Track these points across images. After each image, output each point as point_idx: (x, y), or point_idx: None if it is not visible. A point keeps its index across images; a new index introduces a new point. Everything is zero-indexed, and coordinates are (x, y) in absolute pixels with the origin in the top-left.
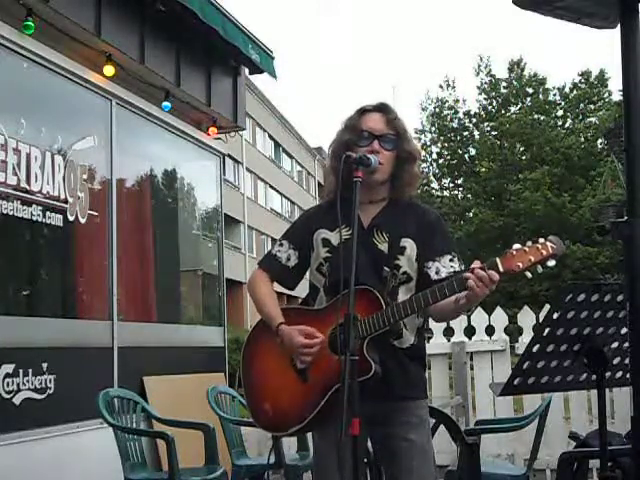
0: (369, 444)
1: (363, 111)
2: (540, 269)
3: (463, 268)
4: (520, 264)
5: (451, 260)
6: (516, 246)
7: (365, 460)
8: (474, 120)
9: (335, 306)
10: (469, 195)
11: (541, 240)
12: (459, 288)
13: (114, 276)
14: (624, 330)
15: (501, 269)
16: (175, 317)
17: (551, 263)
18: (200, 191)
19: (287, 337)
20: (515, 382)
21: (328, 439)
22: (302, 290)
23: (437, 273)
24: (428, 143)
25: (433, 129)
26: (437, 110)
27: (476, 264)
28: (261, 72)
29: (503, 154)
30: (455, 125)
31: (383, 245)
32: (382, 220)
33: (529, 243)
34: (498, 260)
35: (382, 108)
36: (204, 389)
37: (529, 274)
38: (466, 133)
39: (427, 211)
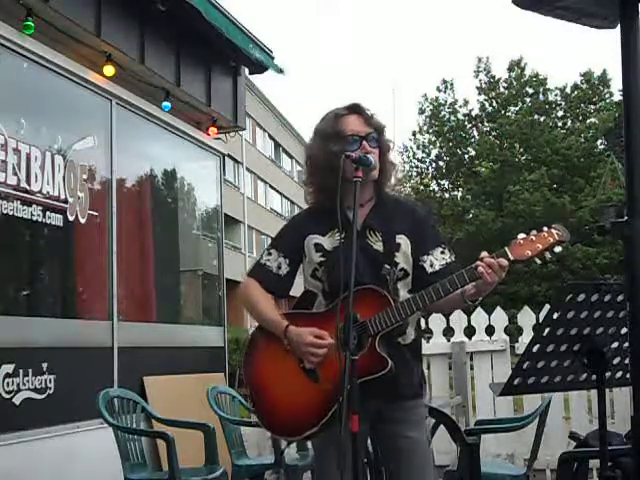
0: (369, 443)
1: (339, 116)
2: (548, 255)
3: (454, 258)
4: (529, 252)
5: (442, 252)
6: (521, 235)
7: (365, 460)
8: (474, 121)
9: (339, 307)
10: (468, 196)
11: (545, 228)
12: (470, 279)
13: (114, 276)
14: (624, 330)
15: (511, 257)
16: (175, 317)
17: (558, 249)
18: (200, 191)
19: (296, 337)
20: (515, 382)
21: (328, 438)
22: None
23: (432, 266)
24: (426, 144)
25: (431, 130)
26: (435, 111)
27: (485, 254)
28: (262, 71)
29: (503, 155)
30: (453, 125)
31: (378, 244)
32: (374, 220)
33: (534, 231)
34: (507, 249)
35: (356, 109)
36: (204, 389)
37: (538, 261)
38: (464, 134)
39: (416, 206)
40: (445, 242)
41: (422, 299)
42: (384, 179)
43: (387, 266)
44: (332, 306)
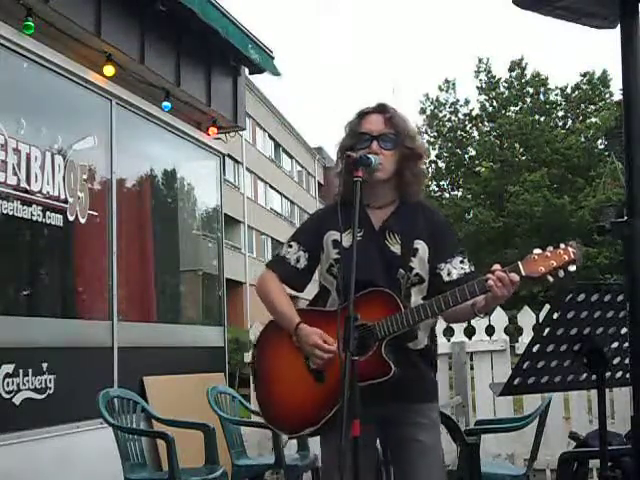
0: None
1: (362, 114)
2: (562, 274)
3: (473, 269)
4: (542, 268)
5: (461, 262)
6: (537, 251)
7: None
8: (474, 121)
9: (340, 309)
10: (469, 196)
11: (562, 245)
12: (480, 290)
13: (114, 276)
14: (624, 330)
15: (523, 273)
16: (175, 317)
17: (572, 268)
18: (200, 191)
19: (304, 336)
20: (515, 382)
21: (332, 441)
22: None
23: (449, 275)
24: (426, 144)
25: (431, 130)
26: (435, 111)
27: (496, 266)
28: (261, 72)
29: (503, 155)
30: (453, 125)
31: (395, 247)
32: (393, 222)
33: (550, 248)
34: (520, 264)
35: (380, 108)
36: (204, 389)
37: (551, 278)
38: (464, 134)
39: (436, 213)
40: (465, 252)
41: (431, 307)
42: (403, 184)
43: (402, 270)
44: (345, 305)
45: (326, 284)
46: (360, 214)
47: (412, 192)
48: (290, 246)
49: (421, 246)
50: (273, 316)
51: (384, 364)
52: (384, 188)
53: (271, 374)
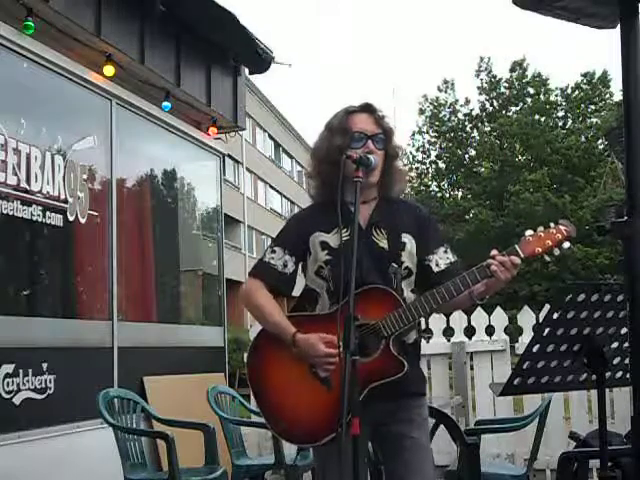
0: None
1: (349, 112)
2: (557, 252)
3: (456, 258)
4: (539, 248)
5: (445, 252)
6: (529, 232)
7: (366, 460)
8: (474, 121)
9: (339, 309)
10: (469, 196)
11: (552, 224)
12: (481, 277)
13: (114, 276)
14: (624, 330)
15: (522, 255)
16: (175, 317)
17: (566, 245)
18: (200, 191)
19: (307, 346)
20: (515, 382)
21: (330, 443)
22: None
23: (437, 265)
24: (427, 145)
25: (431, 131)
26: (435, 112)
27: (495, 252)
28: (261, 72)
29: (503, 155)
30: (453, 125)
31: (383, 242)
32: (379, 218)
33: (541, 228)
34: (517, 247)
35: (368, 108)
36: (204, 389)
37: (547, 257)
38: (465, 134)
39: (418, 207)
40: (447, 242)
41: (434, 298)
42: (389, 182)
43: (394, 265)
44: (340, 307)
45: (314, 287)
46: (346, 213)
47: (397, 190)
48: (274, 251)
49: (408, 240)
50: (265, 327)
51: (396, 362)
52: (371, 187)
53: (275, 386)
